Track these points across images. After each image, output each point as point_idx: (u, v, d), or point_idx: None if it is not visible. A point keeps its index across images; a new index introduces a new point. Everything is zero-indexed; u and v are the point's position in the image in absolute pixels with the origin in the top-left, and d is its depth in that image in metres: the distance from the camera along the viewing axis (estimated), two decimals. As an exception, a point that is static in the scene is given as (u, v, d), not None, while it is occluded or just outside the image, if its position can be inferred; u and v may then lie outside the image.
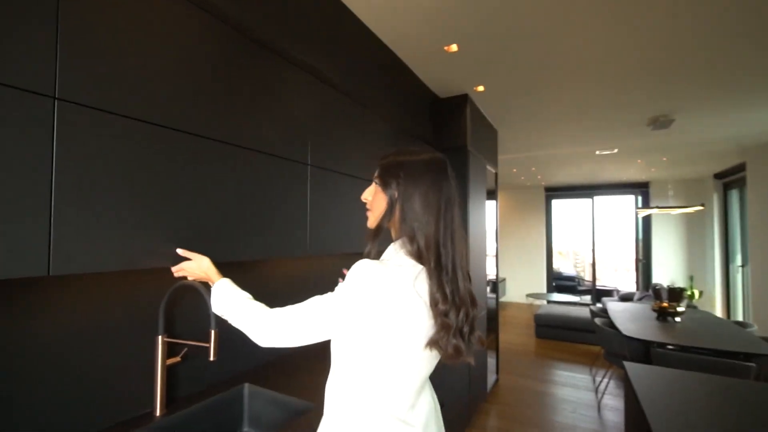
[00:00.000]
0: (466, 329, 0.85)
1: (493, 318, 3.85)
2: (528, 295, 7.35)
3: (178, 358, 1.32)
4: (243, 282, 1.11)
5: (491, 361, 3.81)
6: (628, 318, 3.58)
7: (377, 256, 0.93)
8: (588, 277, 8.44)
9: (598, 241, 8.10)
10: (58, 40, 0.81)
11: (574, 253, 9.51)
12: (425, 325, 0.83)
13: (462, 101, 2.98)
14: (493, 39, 2.20)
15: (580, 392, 3.70)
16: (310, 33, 1.61)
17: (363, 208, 1.01)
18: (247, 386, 1.51)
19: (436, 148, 3.01)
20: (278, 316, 0.91)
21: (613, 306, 4.17)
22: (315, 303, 0.88)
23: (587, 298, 8.21)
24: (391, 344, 0.81)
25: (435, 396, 1.01)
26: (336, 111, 1.81)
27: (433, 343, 0.83)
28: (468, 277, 0.91)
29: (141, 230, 0.97)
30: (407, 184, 0.87)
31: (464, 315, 0.85)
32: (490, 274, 3.91)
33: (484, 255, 3.40)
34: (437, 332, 0.82)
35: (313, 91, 1.64)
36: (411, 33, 2.12)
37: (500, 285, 8.17)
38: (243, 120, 1.29)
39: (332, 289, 0.90)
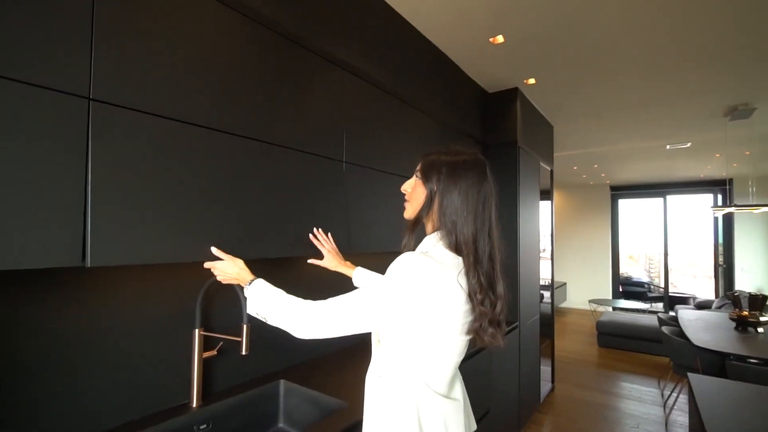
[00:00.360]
0: (501, 318, 0.91)
1: (547, 324, 3.61)
2: (591, 301, 6.83)
3: (214, 352, 1.36)
4: (277, 279, 1.11)
5: (545, 369, 3.57)
6: (702, 327, 3.18)
7: (413, 248, 0.96)
8: (660, 283, 7.67)
9: (672, 244, 7.34)
10: (93, 44, 0.86)
11: (647, 258, 8.68)
12: (465, 313, 0.88)
13: (512, 95, 2.82)
14: (542, 28, 2.04)
15: (645, 406, 3.35)
16: (348, 31, 1.59)
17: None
18: (282, 383, 1.52)
19: (485, 144, 2.87)
20: (323, 307, 0.91)
21: (686, 314, 3.74)
22: (361, 294, 0.88)
23: (659, 306, 7.47)
24: (435, 331, 0.86)
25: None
26: (377, 109, 1.78)
27: (472, 331, 0.89)
28: (502, 275, 0.94)
29: (176, 225, 1.01)
30: (448, 180, 0.91)
31: (501, 308, 0.90)
32: (545, 277, 3.68)
33: (537, 257, 3.19)
34: (475, 320, 0.88)
35: (351, 89, 1.62)
36: (453, 26, 2.03)
37: (560, 290, 7.69)
38: (280, 119, 1.30)
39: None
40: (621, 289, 8.01)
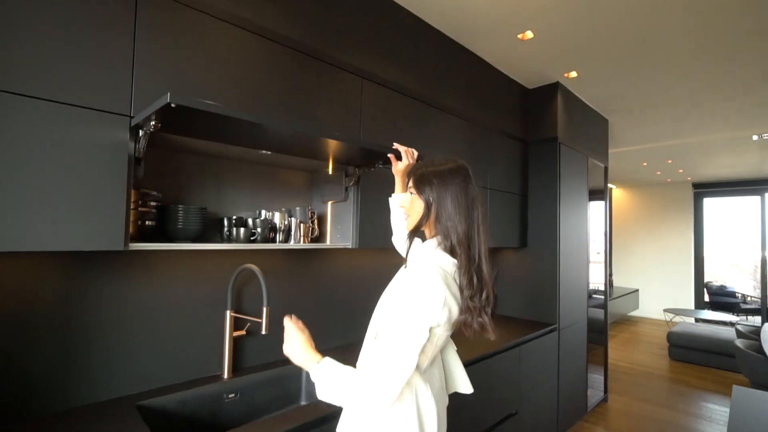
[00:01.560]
0: (488, 309, 0.97)
1: (599, 330, 3.40)
2: (666, 311, 6.20)
3: (243, 332, 1.55)
4: (299, 272, 1.25)
5: (597, 378, 3.37)
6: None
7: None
8: (755, 292, 6.72)
9: (772, 249, 6.40)
10: (134, 74, 1.07)
11: (736, 265, 7.63)
12: (458, 305, 0.96)
13: (552, 90, 2.73)
14: (574, 19, 1.97)
15: (714, 427, 3.01)
16: (368, 40, 1.71)
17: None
18: (305, 364, 1.67)
19: (524, 141, 2.81)
20: (387, 372, 0.85)
21: (774, 329, 3.27)
22: (403, 336, 0.87)
23: (756, 320, 6.54)
24: (436, 331, 0.93)
25: (455, 352, 1.18)
26: (396, 112, 1.86)
27: (460, 323, 0.96)
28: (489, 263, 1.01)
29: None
30: (440, 189, 0.99)
31: (486, 296, 0.97)
32: (600, 281, 3.47)
33: (585, 260, 3.03)
34: (462, 313, 0.95)
35: (367, 95, 1.73)
36: (479, 26, 2.05)
37: (630, 297, 7.08)
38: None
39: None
40: (708, 299, 7.14)
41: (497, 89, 2.56)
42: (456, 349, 1.18)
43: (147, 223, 1.26)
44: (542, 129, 2.75)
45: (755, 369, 2.62)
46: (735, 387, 1.55)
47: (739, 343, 2.91)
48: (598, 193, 3.50)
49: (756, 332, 3.40)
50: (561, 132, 2.70)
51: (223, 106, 0.98)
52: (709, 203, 7.13)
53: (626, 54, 2.36)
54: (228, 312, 1.51)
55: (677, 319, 6.25)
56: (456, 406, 1.62)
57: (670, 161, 5.36)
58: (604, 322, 3.49)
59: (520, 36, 2.14)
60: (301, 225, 1.64)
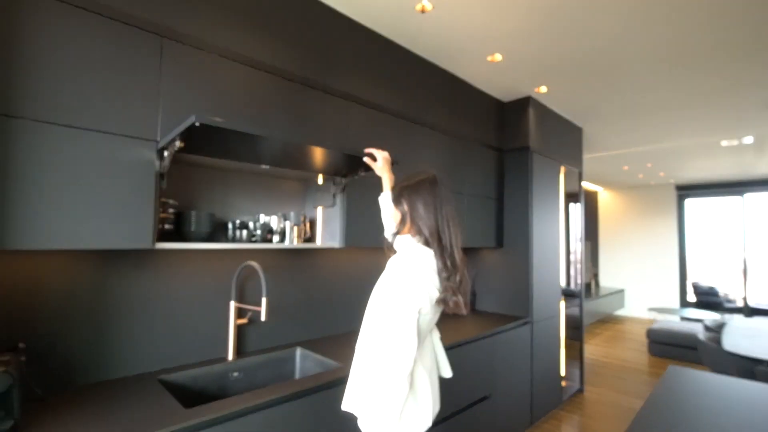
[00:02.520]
0: (461, 290, 1.20)
1: (575, 327, 3.65)
2: (650, 309, 6.46)
3: (245, 320, 1.80)
4: (295, 270, 1.49)
5: (574, 372, 3.61)
6: (751, 335, 3.02)
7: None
8: (735, 292, 6.97)
9: (752, 248, 6.67)
10: (160, 108, 1.33)
11: (720, 264, 7.87)
12: (437, 288, 1.17)
13: (524, 103, 3.00)
14: (539, 43, 2.24)
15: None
16: (353, 68, 1.97)
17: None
18: (299, 349, 1.93)
19: (500, 150, 3.07)
20: (403, 354, 1.06)
21: (739, 321, 3.52)
22: (407, 323, 1.09)
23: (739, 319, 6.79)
24: (424, 309, 1.14)
25: (438, 339, 1.36)
26: (380, 130, 2.13)
27: (441, 300, 1.18)
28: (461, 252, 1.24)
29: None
30: (411, 199, 1.22)
31: (459, 278, 1.19)
32: (574, 279, 3.72)
33: (556, 259, 3.28)
34: (442, 292, 1.17)
35: (355, 116, 1.99)
36: (453, 49, 2.31)
37: (616, 296, 7.34)
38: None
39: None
40: (696, 299, 7.39)
41: (474, 104, 2.82)
42: (440, 336, 1.37)
43: (166, 226, 1.52)
44: (516, 139, 3.02)
45: (713, 358, 2.87)
46: (671, 366, 1.80)
47: (702, 336, 3.16)
48: (575, 197, 3.77)
49: (720, 326, 3.65)
50: (533, 141, 2.97)
51: (235, 122, 1.23)
52: (692, 204, 7.40)
53: (590, 74, 2.63)
54: (232, 303, 1.76)
55: (660, 317, 6.51)
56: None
57: (649, 165, 5.63)
58: (580, 319, 3.73)
59: (489, 58, 2.41)
60: (295, 227, 1.90)
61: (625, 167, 5.82)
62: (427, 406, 1.16)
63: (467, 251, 3.10)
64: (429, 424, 1.16)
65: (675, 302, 7.23)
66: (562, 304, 3.37)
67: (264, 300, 1.64)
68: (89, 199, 1.18)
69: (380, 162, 1.55)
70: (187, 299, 1.67)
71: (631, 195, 7.88)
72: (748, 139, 4.13)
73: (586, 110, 3.37)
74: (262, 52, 1.64)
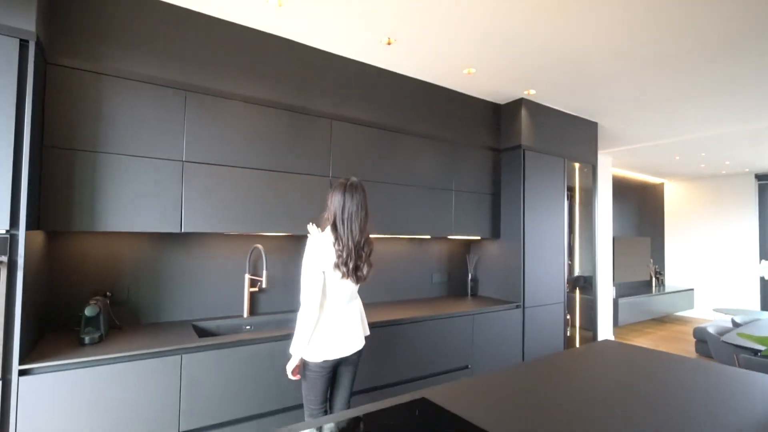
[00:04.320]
0: (351, 263, 1.68)
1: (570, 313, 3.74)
2: (716, 310, 5.96)
3: (256, 289, 2.42)
4: (291, 251, 2.07)
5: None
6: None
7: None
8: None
9: None
10: (185, 139, 1.98)
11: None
12: (334, 257, 1.68)
13: (517, 105, 3.23)
14: (507, 56, 2.52)
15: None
16: (346, 95, 2.49)
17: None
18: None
19: (496, 150, 3.35)
20: (303, 300, 1.66)
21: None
22: (308, 278, 1.66)
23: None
24: (328, 270, 1.68)
25: (361, 306, 1.88)
26: (363, 141, 2.61)
27: (335, 266, 1.67)
28: (361, 235, 1.72)
29: (226, 215, 2.08)
30: (330, 200, 1.76)
31: (346, 254, 1.68)
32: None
33: (558, 251, 3.43)
34: (335, 261, 1.67)
35: (339, 133, 2.51)
36: (430, 65, 2.69)
37: (684, 295, 6.83)
38: (286, 159, 2.28)
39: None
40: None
41: (466, 109, 3.15)
42: (361, 304, 1.87)
43: (195, 218, 2.18)
44: (510, 138, 3.27)
45: (717, 351, 2.84)
46: (605, 340, 2.01)
47: (710, 329, 3.08)
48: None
49: (749, 323, 3.46)
50: (525, 140, 3.19)
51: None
52: (776, 196, 6.58)
53: (576, 74, 2.80)
54: (246, 275, 2.39)
55: (719, 317, 5.96)
56: (413, 350, 2.33)
57: (703, 154, 5.25)
58: (564, 311, 3.80)
59: (465, 72, 2.74)
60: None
61: (677, 157, 5.48)
62: (333, 343, 1.68)
63: (463, 242, 3.44)
64: (333, 356, 1.68)
65: (757, 303, 6.52)
66: (577, 293, 3.51)
67: (264, 273, 2.25)
68: (140, 201, 1.87)
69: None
70: (214, 270, 2.33)
71: (701, 186, 7.22)
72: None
73: (592, 106, 3.46)
74: (260, 91, 2.23)
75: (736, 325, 3.45)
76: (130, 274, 2.11)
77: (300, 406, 1.97)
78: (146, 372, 1.66)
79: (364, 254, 1.75)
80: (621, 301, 5.60)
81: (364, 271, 1.75)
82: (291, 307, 2.58)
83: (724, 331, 3.13)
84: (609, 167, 5.52)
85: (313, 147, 2.41)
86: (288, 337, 1.99)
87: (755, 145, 4.83)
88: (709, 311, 6.86)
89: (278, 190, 2.27)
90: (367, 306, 2.67)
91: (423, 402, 1.21)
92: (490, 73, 2.77)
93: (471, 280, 3.42)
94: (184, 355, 1.74)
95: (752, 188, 6.67)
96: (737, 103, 3.35)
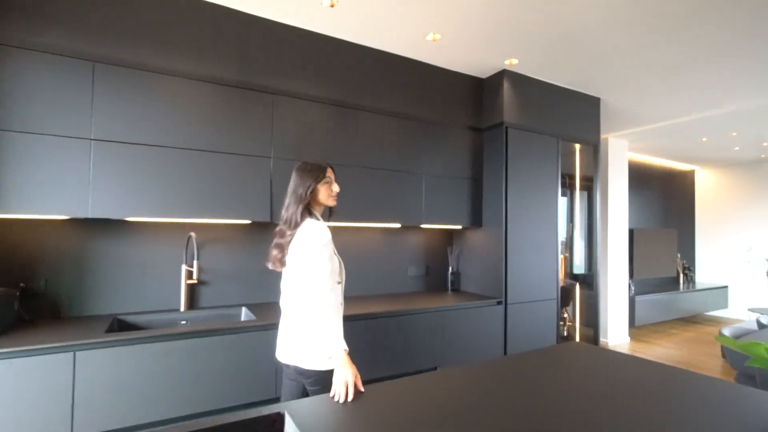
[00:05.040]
0: (275, 250, 1.49)
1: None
2: (751, 310, 5.33)
3: (194, 280, 2.23)
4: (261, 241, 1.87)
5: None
6: None
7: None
8: None
9: None
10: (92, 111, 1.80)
11: None
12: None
13: (500, 77, 2.89)
14: (478, 18, 2.20)
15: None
16: (298, 69, 2.25)
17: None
18: (244, 308, 2.29)
19: (478, 130, 3.02)
20: (321, 296, 1.35)
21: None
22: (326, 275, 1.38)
23: None
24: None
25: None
26: (322, 121, 2.37)
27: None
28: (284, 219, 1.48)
29: (155, 201, 1.89)
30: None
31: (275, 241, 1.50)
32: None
33: (551, 243, 3.05)
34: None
35: (289, 109, 2.27)
36: (387, 32, 2.41)
37: (717, 293, 6.19)
38: (223, 138, 2.07)
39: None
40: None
41: (439, 85, 2.84)
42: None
43: (117, 203, 2.01)
44: (492, 115, 2.93)
45: (732, 358, 2.41)
46: (574, 342, 1.69)
47: (726, 331, 2.64)
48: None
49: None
50: (508, 116, 2.85)
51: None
52: (826, 182, 5.81)
53: (565, 42, 2.44)
54: (183, 266, 2.21)
55: (754, 317, 5.32)
56: (370, 351, 2.05)
57: (734, 134, 4.66)
58: (557, 308, 3.40)
59: (430, 39, 2.43)
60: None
61: (704, 138, 4.90)
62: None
63: (443, 232, 3.13)
64: None
65: (799, 304, 5.81)
66: (577, 289, 3.14)
67: (196, 263, 2.05)
68: (43, 181, 1.70)
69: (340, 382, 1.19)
70: (149, 261, 2.16)
71: (737, 173, 6.51)
72: None
73: (591, 79, 3.06)
74: (181, 63, 2.02)
75: (761, 326, 2.97)
76: (49, 265, 1.96)
77: (219, 411, 1.76)
78: (33, 370, 1.49)
79: None
80: (638, 299, 5.10)
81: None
82: (237, 301, 2.38)
83: (744, 334, 2.68)
84: (624, 151, 5.02)
85: (250, 125, 2.19)
86: (211, 333, 1.79)
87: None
88: (744, 311, 6.18)
89: (211, 173, 2.06)
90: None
91: (277, 419, 0.96)
92: (459, 40, 2.45)
93: (452, 273, 3.11)
94: (78, 353, 1.56)
95: (796, 174, 5.93)
96: (759, 71, 2.86)
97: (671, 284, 6.20)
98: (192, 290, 2.26)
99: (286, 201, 1.48)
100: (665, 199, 6.57)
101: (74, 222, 2.00)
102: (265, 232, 2.45)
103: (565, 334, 3.46)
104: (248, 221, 2.26)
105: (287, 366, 1.46)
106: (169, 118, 1.98)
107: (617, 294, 4.75)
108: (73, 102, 1.78)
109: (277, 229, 1.51)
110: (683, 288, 6.06)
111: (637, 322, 5.07)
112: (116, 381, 1.62)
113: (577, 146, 3.49)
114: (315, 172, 1.48)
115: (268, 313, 2.14)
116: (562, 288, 3.23)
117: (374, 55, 2.60)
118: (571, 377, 1.31)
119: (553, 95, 3.13)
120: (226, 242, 2.36)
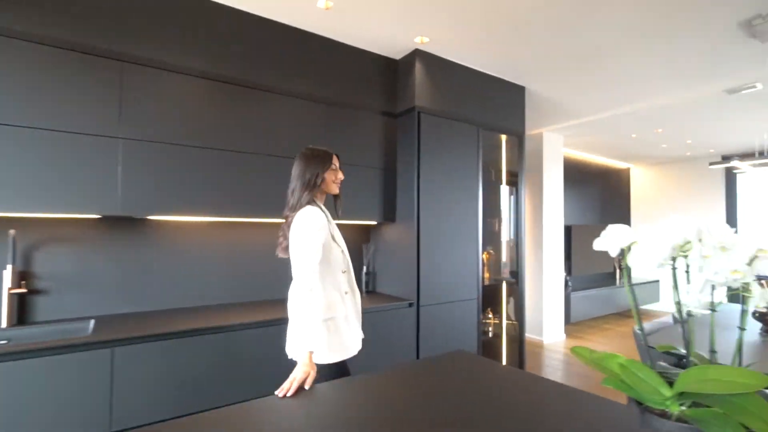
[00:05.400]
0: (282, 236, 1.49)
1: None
2: (678, 303, 5.47)
3: (24, 290, 1.80)
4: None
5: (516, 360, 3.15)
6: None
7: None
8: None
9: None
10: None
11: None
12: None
13: (412, 58, 2.65)
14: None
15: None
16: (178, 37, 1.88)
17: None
18: (92, 321, 1.89)
19: (392, 115, 2.76)
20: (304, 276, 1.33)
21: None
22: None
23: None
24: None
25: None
26: (214, 100, 2.01)
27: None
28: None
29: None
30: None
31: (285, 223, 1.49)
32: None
33: (470, 241, 2.84)
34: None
35: (171, 82, 1.90)
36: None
37: (649, 288, 6.34)
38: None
39: None
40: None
41: (345, 63, 2.55)
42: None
43: None
44: (404, 100, 2.68)
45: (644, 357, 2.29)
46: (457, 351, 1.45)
47: (648, 325, 2.55)
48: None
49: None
50: (421, 100, 2.61)
51: None
52: (746, 179, 6.10)
53: (477, 20, 2.22)
54: (4, 271, 1.77)
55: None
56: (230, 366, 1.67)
57: (660, 130, 4.72)
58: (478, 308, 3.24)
59: (322, 6, 2.14)
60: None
61: (633, 135, 4.95)
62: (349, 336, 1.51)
63: (358, 228, 2.85)
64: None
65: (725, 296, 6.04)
66: (504, 287, 2.95)
67: (10, 266, 1.63)
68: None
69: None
70: None
71: (667, 170, 6.73)
72: (756, 87, 3.23)
73: (513, 64, 2.88)
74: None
75: (676, 321, 2.91)
76: None
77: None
78: None
79: None
80: (574, 295, 5.08)
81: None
82: (86, 313, 1.97)
83: (660, 329, 2.59)
84: (560, 146, 4.97)
85: (92, 97, 1.80)
86: (34, 353, 1.40)
87: (716, 120, 4.31)
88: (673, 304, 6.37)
89: (36, 155, 1.65)
90: (204, 309, 2.08)
91: None
92: (353, 7, 2.17)
93: (365, 273, 2.83)
94: None
95: (719, 171, 6.18)
96: (674, 66, 2.80)
97: (608, 279, 6.29)
98: (21, 301, 1.83)
99: (292, 185, 1.49)
100: (603, 196, 6.68)
101: None
102: (123, 229, 2.06)
103: (491, 334, 3.28)
104: (96, 216, 1.86)
105: (293, 361, 1.38)
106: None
107: (553, 291, 4.68)
108: None
109: (284, 213, 1.49)
110: (619, 283, 6.16)
111: (573, 319, 5.04)
112: None
113: (503, 138, 3.33)
114: (322, 159, 1.49)
115: (124, 326, 1.76)
116: (486, 287, 3.05)
117: (270, 26, 2.27)
118: (450, 387, 1.04)
119: (473, 80, 2.93)
120: (70, 242, 1.94)
